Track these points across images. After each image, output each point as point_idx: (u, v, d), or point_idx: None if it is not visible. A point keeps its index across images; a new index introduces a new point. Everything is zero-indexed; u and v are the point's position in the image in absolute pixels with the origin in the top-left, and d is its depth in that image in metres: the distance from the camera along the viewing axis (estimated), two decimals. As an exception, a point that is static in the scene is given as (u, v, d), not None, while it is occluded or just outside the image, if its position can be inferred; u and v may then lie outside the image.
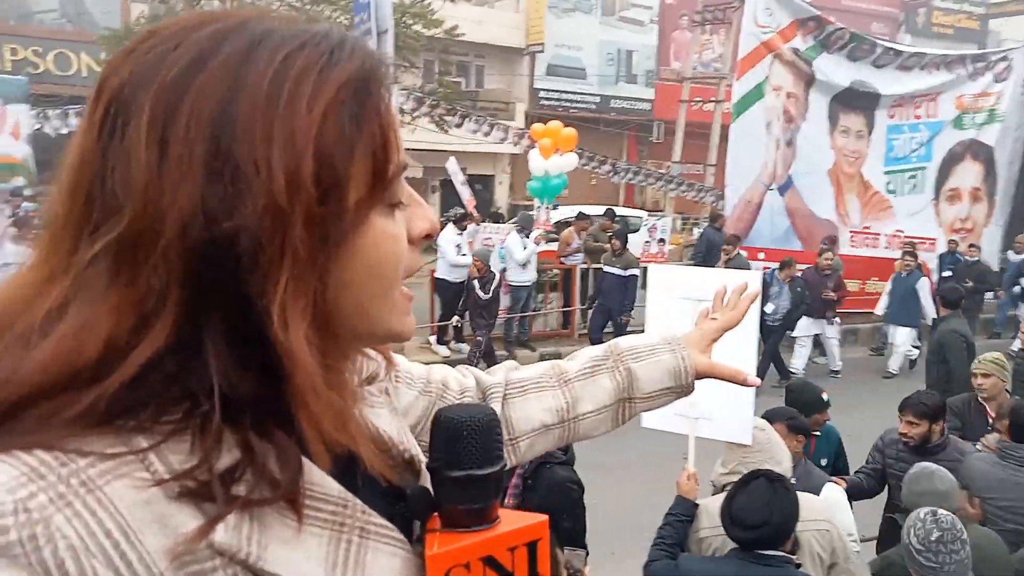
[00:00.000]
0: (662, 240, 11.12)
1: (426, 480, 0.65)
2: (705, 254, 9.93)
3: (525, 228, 9.32)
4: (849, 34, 11.29)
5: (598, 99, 20.58)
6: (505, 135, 11.10)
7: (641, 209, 16.36)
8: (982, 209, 12.70)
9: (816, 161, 11.29)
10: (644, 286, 8.14)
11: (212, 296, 0.51)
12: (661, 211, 15.15)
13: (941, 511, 2.39)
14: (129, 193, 0.50)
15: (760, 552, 2.26)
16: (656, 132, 21.20)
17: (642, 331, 1.22)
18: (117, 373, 0.49)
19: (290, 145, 0.51)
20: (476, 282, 7.97)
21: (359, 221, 0.55)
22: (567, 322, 9.78)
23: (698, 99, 17.99)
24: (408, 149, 0.65)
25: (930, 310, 8.80)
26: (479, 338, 8.05)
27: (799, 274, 8.68)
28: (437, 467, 0.62)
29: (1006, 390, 4.28)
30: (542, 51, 19.45)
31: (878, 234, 11.78)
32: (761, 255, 9.84)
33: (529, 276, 8.81)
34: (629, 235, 9.15)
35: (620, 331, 8.42)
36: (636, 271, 8.56)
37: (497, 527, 0.61)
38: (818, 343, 9.13)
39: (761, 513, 2.25)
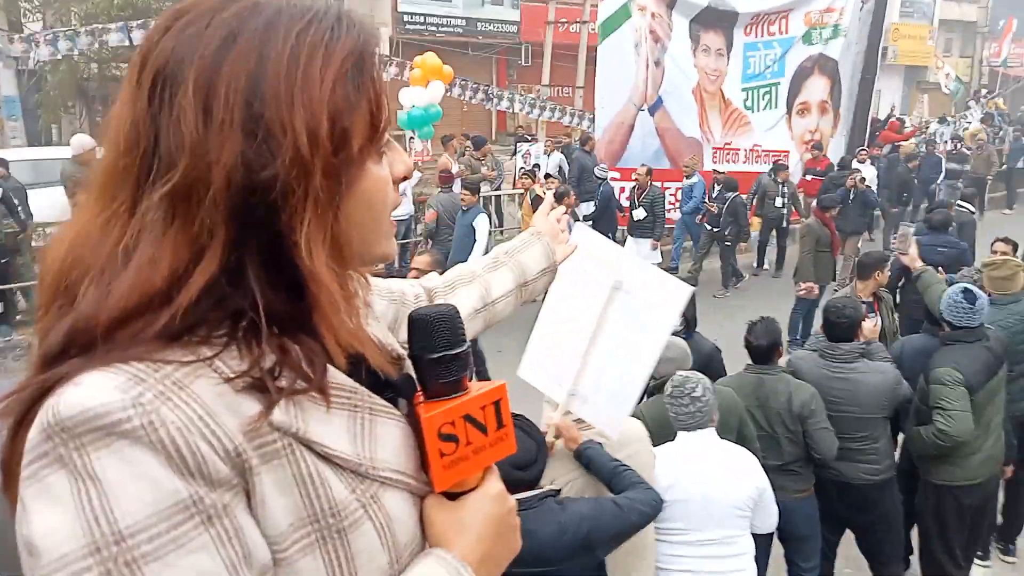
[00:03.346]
0: (536, 166, 11.21)
1: (406, 370, 0.82)
2: (578, 177, 10.11)
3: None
4: (707, -48, 11.48)
5: (464, 22, 20.07)
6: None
7: (513, 135, 16.33)
8: (829, 121, 13.55)
9: (681, 80, 11.58)
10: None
11: (251, 232, 0.64)
12: (533, 135, 15.20)
13: (678, 375, 2.94)
14: (182, 151, 0.63)
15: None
16: (524, 55, 21.03)
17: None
18: (182, 295, 0.62)
19: (309, 109, 0.64)
20: None
21: (360, 166, 0.69)
22: (450, 253, 9.77)
23: (563, 20, 17.94)
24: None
25: (480, 250, 7.26)
26: None
27: None
28: (419, 354, 0.78)
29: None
30: (403, -28, 18.65)
31: (738, 149, 12.36)
32: (634, 175, 10.13)
33: (406, 209, 8.70)
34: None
35: None
36: None
37: (469, 393, 0.78)
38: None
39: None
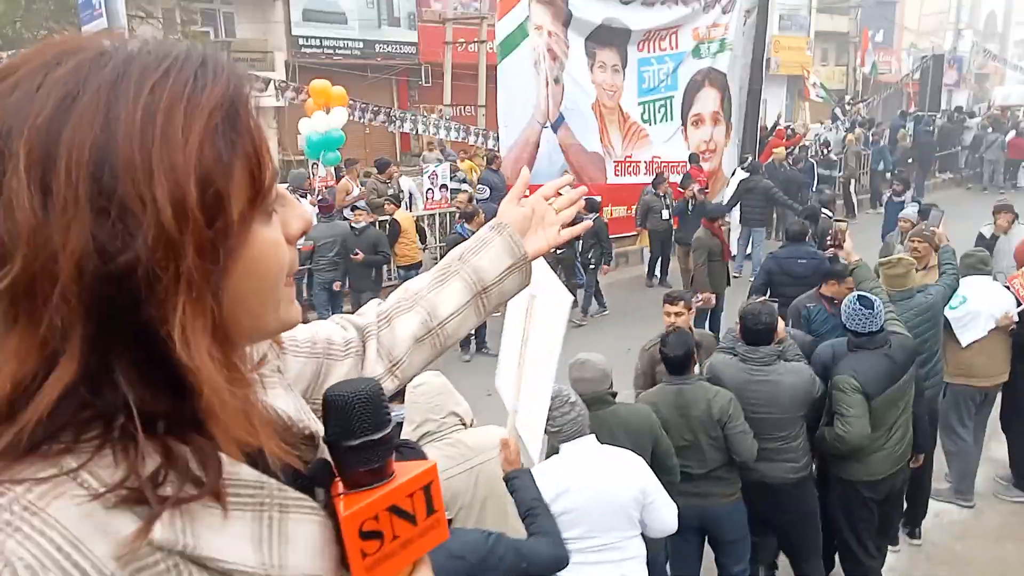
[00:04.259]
0: (444, 186, 11.17)
1: (324, 452, 0.72)
2: (489, 196, 10.13)
3: (298, 188, 8.91)
4: (597, -28, 11.78)
5: (361, 44, 19.88)
6: (265, 88, 10.39)
7: (418, 155, 16.26)
8: (722, 131, 14.14)
9: (581, 97, 11.82)
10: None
11: (115, 326, 0.54)
12: (437, 156, 15.16)
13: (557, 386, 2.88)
14: (18, 240, 0.52)
15: None
16: (424, 76, 21.01)
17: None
18: (30, 411, 0.52)
19: (172, 177, 0.54)
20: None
21: (244, 235, 0.59)
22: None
23: (462, 40, 18.04)
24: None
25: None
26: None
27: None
28: (335, 440, 0.69)
29: None
30: (295, -5, 18.32)
31: (639, 161, 12.71)
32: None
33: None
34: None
35: None
36: None
37: (394, 480, 0.69)
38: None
39: None
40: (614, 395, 3.39)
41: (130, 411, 0.55)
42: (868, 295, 3.81)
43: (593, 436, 2.90)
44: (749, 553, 3.70)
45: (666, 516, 2.88)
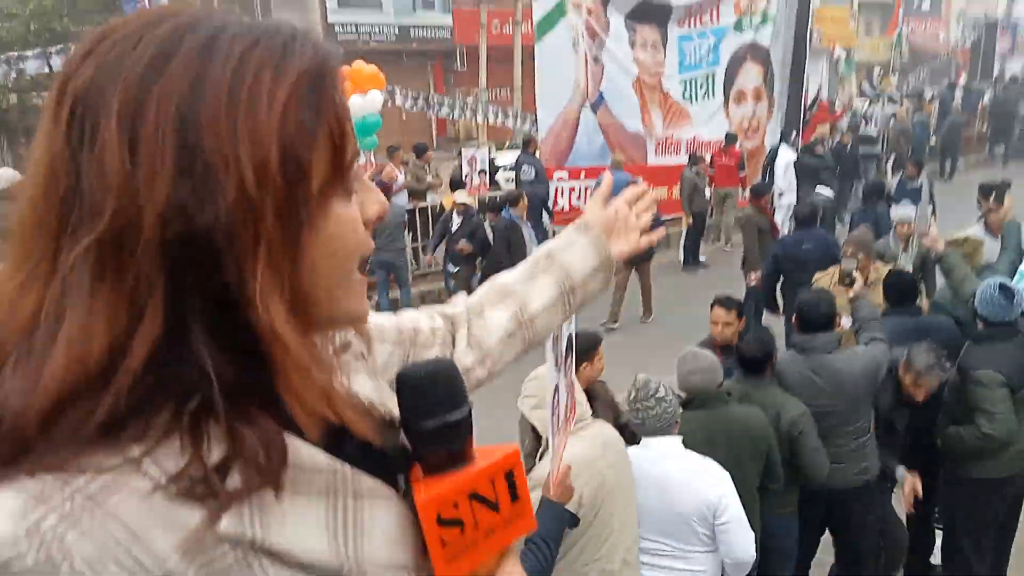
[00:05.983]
0: (483, 171, 11.10)
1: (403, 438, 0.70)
2: (533, 180, 10.03)
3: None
4: (637, -53, 11.53)
5: (397, 29, 19.88)
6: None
7: (455, 140, 16.21)
8: (764, 107, 13.80)
9: (621, 76, 11.62)
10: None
11: (194, 287, 0.54)
12: (475, 140, 15.10)
13: (640, 377, 2.80)
14: (108, 192, 0.52)
15: None
16: (460, 59, 20.92)
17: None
18: (123, 371, 0.51)
19: (256, 140, 0.54)
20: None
21: (322, 207, 0.58)
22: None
23: (496, 22, 17.89)
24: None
25: None
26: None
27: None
28: (410, 422, 0.66)
29: None
30: (330, -19, 18.35)
31: (679, 141, 12.47)
32: (583, 174, 10.10)
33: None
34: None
35: None
36: None
37: (475, 464, 0.65)
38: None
39: None
40: (730, 393, 3.17)
41: (209, 384, 0.54)
42: (1010, 284, 3.52)
43: (679, 438, 2.73)
44: (792, 569, 3.53)
45: (738, 542, 2.62)
